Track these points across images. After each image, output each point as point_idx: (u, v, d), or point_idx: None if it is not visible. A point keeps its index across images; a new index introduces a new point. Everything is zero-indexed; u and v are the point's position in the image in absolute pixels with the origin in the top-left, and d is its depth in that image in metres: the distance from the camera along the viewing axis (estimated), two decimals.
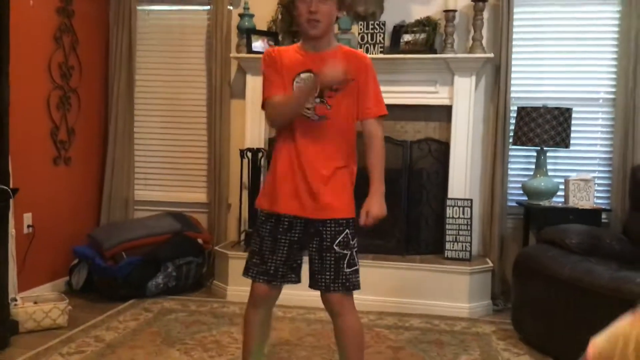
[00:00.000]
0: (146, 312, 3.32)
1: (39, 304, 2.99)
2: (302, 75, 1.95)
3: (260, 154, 3.81)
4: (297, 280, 2.03)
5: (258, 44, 3.80)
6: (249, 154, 3.79)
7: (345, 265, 1.92)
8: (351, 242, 1.96)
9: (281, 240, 1.96)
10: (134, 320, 3.16)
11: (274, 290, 1.98)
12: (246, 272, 1.99)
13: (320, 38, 1.95)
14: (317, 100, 1.92)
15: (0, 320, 2.68)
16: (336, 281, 1.91)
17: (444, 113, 3.76)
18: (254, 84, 3.86)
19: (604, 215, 3.59)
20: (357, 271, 1.96)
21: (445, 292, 3.45)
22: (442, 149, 3.76)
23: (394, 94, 3.69)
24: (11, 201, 2.75)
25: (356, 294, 1.99)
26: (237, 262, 3.59)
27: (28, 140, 3.33)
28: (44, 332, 2.92)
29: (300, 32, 2.01)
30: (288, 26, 3.83)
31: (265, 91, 1.99)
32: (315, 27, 1.89)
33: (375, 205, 1.93)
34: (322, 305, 1.99)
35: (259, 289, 1.96)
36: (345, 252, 1.93)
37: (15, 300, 2.96)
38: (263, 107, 1.99)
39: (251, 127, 3.94)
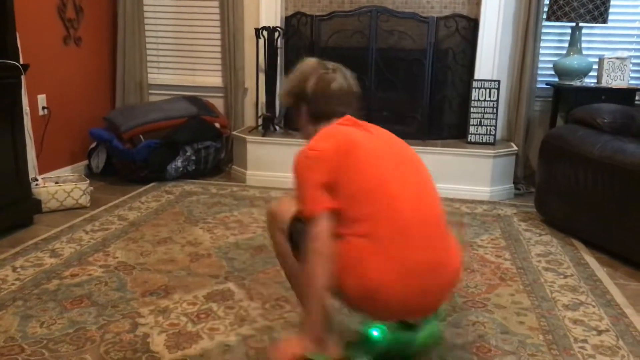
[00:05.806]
0: (167, 194, 3.34)
1: (60, 184, 3.00)
2: None
3: (276, 34, 3.62)
4: None
5: None
6: (265, 34, 3.60)
7: None
8: None
9: None
10: (156, 201, 3.18)
11: None
12: None
13: None
14: None
15: (23, 198, 2.69)
16: None
17: None
18: None
19: (637, 97, 3.43)
20: None
21: (467, 176, 3.40)
22: (470, 27, 3.54)
23: None
24: (23, 78, 2.65)
25: None
26: (255, 147, 3.54)
27: (34, 17, 3.17)
28: (66, 211, 2.95)
29: None
30: None
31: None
32: None
33: None
34: None
35: None
36: None
37: (37, 180, 2.96)
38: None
39: (266, 4, 3.71)
